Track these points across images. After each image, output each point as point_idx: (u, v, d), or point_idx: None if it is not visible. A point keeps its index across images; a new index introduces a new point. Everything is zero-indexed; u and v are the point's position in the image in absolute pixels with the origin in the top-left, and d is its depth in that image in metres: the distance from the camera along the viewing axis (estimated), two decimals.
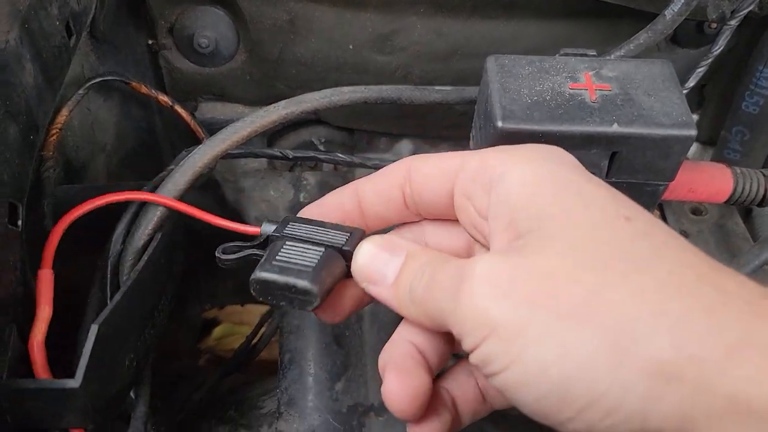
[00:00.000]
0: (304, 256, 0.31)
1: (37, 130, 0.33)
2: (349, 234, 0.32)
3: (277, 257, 0.31)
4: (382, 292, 0.30)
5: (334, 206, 0.34)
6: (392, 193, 0.33)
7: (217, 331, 0.75)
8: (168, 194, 0.40)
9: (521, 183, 0.28)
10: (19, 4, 0.31)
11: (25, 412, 0.29)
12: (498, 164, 0.29)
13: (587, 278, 0.24)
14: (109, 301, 0.35)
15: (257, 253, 0.33)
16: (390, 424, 0.44)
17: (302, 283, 0.30)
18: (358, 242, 0.32)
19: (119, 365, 0.34)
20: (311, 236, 0.32)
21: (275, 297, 0.30)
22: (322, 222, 0.33)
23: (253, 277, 0.30)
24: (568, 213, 0.26)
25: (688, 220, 0.55)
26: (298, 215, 0.34)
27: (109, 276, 0.36)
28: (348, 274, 0.32)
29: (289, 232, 0.32)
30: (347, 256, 0.32)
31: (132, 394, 0.36)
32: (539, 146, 0.31)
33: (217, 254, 0.33)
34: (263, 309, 0.64)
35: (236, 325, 0.75)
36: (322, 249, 0.31)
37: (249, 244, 0.34)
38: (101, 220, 0.39)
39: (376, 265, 0.30)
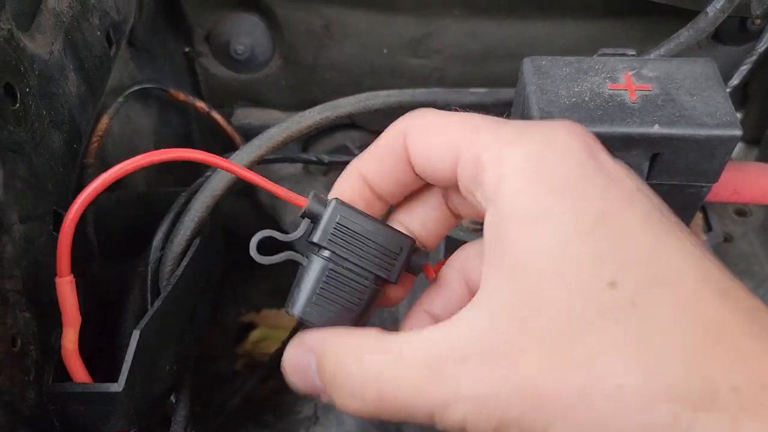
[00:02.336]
0: (349, 295, 0.29)
1: (80, 138, 0.34)
2: (397, 254, 0.29)
3: (319, 291, 0.29)
4: (327, 401, 0.29)
5: (346, 200, 0.30)
6: (399, 173, 0.29)
7: (254, 335, 0.75)
8: (206, 200, 0.41)
9: (516, 215, 0.24)
10: (63, 16, 0.31)
11: (70, 416, 0.29)
12: (492, 168, 0.25)
13: (572, 379, 0.21)
14: (149, 307, 0.35)
15: (297, 258, 0.30)
16: (430, 428, 0.44)
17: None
18: (403, 269, 0.30)
19: (160, 370, 0.34)
20: (358, 256, 0.29)
21: None
22: (368, 222, 0.29)
23: (293, 311, 0.29)
24: (558, 276, 0.22)
25: (733, 221, 0.53)
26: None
27: (149, 282, 0.37)
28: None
29: (334, 238, 0.29)
30: (392, 284, 0.30)
31: (172, 398, 0.36)
32: (547, 134, 0.25)
33: (252, 251, 0.31)
34: None
35: (272, 328, 0.76)
36: (368, 284, 0.29)
37: (286, 238, 0.31)
38: (139, 226, 0.39)
39: (297, 380, 0.29)
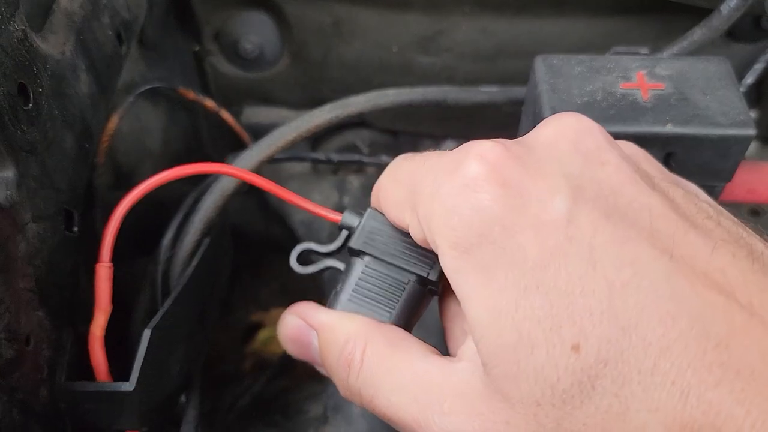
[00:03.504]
0: (387, 290, 0.29)
1: (92, 138, 0.34)
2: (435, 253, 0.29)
3: (355, 287, 0.29)
4: (322, 371, 0.29)
5: None
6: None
7: (262, 334, 0.75)
8: (216, 199, 0.41)
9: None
10: (74, 16, 0.31)
11: (81, 414, 0.29)
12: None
13: None
14: (159, 306, 0.35)
15: (335, 266, 0.31)
16: None
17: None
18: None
19: (170, 369, 0.34)
20: (394, 255, 0.29)
21: None
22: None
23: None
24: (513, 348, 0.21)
25: (746, 221, 0.53)
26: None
27: (160, 281, 0.37)
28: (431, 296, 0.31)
29: (370, 241, 0.29)
30: (434, 285, 0.29)
31: (183, 397, 0.36)
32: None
33: (291, 263, 0.32)
34: None
35: None
36: (406, 281, 0.29)
37: (325, 249, 0.32)
38: (148, 226, 0.39)
39: (295, 350, 0.30)
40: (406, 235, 0.28)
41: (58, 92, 0.29)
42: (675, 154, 0.35)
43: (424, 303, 0.30)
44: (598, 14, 0.50)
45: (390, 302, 0.28)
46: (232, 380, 0.57)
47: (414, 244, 0.28)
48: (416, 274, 0.29)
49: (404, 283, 0.29)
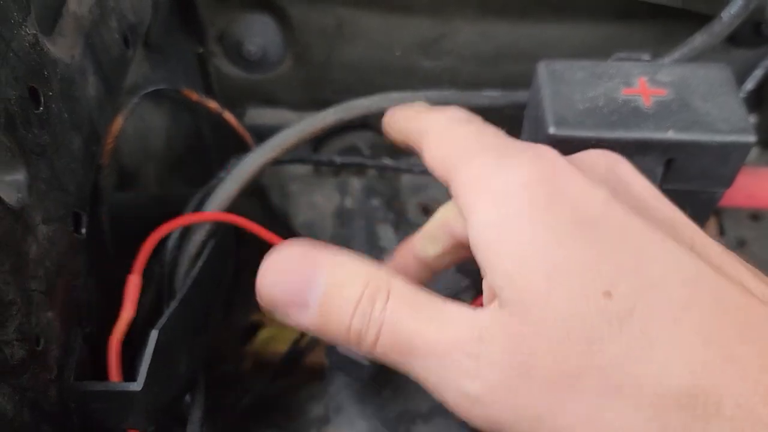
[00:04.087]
0: None
1: (99, 140, 0.34)
2: None
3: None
4: (302, 322, 0.25)
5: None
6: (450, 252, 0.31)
7: (262, 334, 0.75)
8: (221, 201, 0.41)
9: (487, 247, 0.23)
10: (83, 20, 0.32)
11: (90, 413, 0.30)
12: (469, 203, 0.25)
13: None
14: (165, 307, 0.35)
15: None
16: (437, 430, 0.44)
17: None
18: None
19: (176, 369, 0.34)
20: None
21: None
22: None
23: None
24: (538, 290, 0.22)
25: (747, 226, 0.53)
26: None
27: (166, 282, 0.37)
28: None
29: None
30: None
31: (188, 397, 0.37)
32: (520, 162, 0.25)
33: None
34: None
35: (280, 329, 0.76)
36: None
37: None
38: (153, 228, 0.40)
39: (286, 290, 0.24)
40: None
41: (67, 95, 0.30)
42: (676, 159, 0.35)
43: None
44: (600, 19, 0.51)
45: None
46: (233, 380, 0.58)
47: None
48: None
49: None
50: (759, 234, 0.53)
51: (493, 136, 0.27)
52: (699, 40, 0.41)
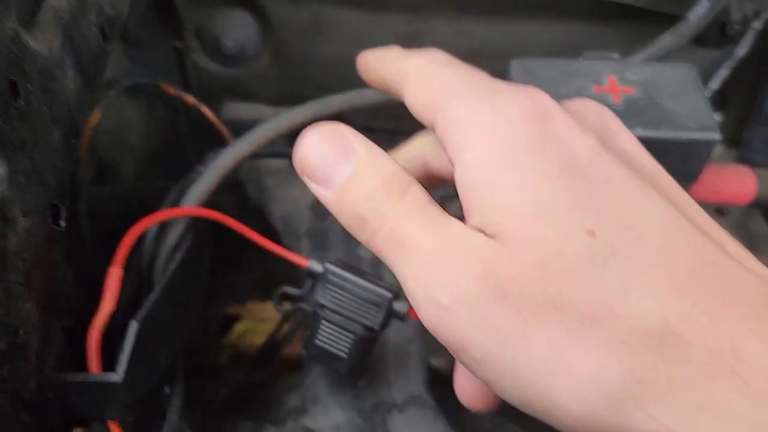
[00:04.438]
0: (339, 342, 0.37)
1: (78, 133, 0.34)
2: (379, 305, 0.36)
3: (317, 338, 0.37)
4: (322, 194, 0.25)
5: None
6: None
7: (239, 327, 0.76)
8: (199, 195, 0.41)
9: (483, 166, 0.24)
10: (62, 13, 0.32)
11: (69, 404, 0.30)
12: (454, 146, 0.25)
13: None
14: (144, 300, 0.36)
15: (304, 308, 0.38)
16: (412, 420, 0.45)
17: (337, 369, 0.38)
18: (388, 319, 0.36)
19: (156, 361, 0.35)
20: (345, 311, 0.36)
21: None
22: (355, 279, 0.36)
23: (304, 351, 0.39)
24: (523, 223, 0.23)
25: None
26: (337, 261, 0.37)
27: (144, 275, 0.37)
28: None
29: (327, 293, 0.36)
30: (377, 333, 0.37)
31: (167, 388, 0.37)
32: (510, 98, 0.25)
33: (273, 300, 0.40)
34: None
35: (257, 321, 0.76)
36: (353, 336, 0.36)
37: (296, 292, 0.39)
38: (131, 221, 0.40)
39: (319, 161, 0.25)
40: (355, 286, 0.36)
41: (46, 89, 0.30)
42: None
43: (373, 344, 0.38)
44: (572, 19, 0.52)
45: (345, 348, 0.37)
46: (211, 372, 0.58)
47: (362, 296, 0.36)
48: (365, 325, 0.36)
49: (354, 332, 0.36)
50: (723, 228, 0.55)
51: (478, 77, 0.27)
52: (666, 40, 0.42)
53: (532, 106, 0.24)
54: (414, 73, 0.28)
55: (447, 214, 0.24)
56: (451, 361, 0.67)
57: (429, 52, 0.29)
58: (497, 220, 0.23)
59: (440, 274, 0.23)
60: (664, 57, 0.43)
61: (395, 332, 0.49)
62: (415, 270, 0.23)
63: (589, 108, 0.28)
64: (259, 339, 0.62)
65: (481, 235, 0.23)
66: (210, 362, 0.65)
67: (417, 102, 0.27)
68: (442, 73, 0.27)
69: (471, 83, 0.26)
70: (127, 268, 0.40)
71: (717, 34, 0.51)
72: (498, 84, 0.26)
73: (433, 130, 0.26)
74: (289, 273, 0.44)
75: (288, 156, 0.57)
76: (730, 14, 0.45)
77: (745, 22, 0.45)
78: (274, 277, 0.53)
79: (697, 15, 0.42)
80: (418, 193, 0.24)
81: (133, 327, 0.31)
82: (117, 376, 0.30)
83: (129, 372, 0.30)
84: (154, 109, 0.56)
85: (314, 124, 0.26)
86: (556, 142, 0.24)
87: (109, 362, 0.32)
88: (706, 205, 0.56)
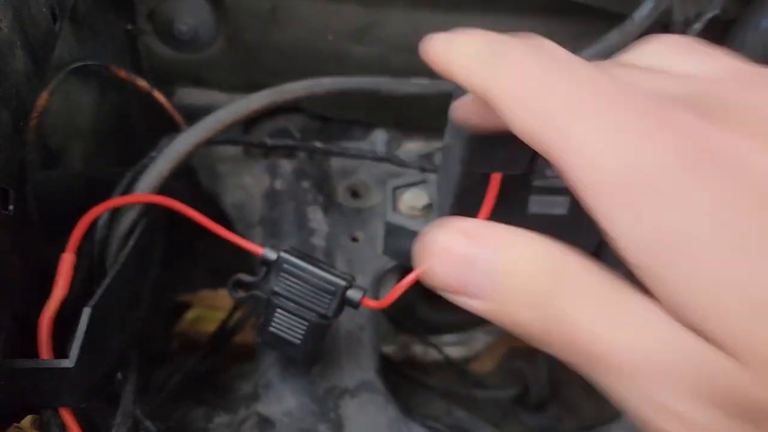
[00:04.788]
0: (293, 328, 0.38)
1: (26, 115, 0.33)
2: (333, 293, 0.37)
3: (271, 325, 0.38)
4: (473, 308, 0.21)
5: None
6: None
7: (190, 314, 0.75)
8: (152, 181, 0.41)
9: None
10: None
11: (20, 391, 0.29)
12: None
13: None
14: (95, 286, 0.35)
15: (258, 295, 0.39)
16: (364, 405, 0.46)
17: (290, 355, 0.39)
18: (341, 306, 0.37)
19: (109, 347, 0.34)
20: (299, 299, 0.37)
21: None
22: (308, 268, 0.37)
23: (257, 339, 0.39)
24: None
25: None
26: (293, 248, 0.38)
27: (96, 261, 0.37)
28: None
29: (281, 281, 0.37)
30: (331, 321, 0.38)
31: (119, 375, 0.37)
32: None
33: (229, 287, 0.40)
34: None
35: (209, 309, 0.76)
36: (310, 318, 0.37)
37: (250, 279, 0.39)
38: (81, 206, 0.39)
39: (460, 270, 0.21)
40: (309, 275, 0.36)
41: None
42: None
43: (327, 331, 0.39)
44: (524, 14, 0.53)
45: (299, 334, 0.37)
46: (162, 359, 0.58)
47: (315, 284, 0.36)
48: (319, 312, 0.37)
49: (308, 320, 0.37)
50: None
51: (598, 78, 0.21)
52: (613, 38, 0.44)
53: (684, 140, 0.18)
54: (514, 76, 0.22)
55: (621, 282, 0.19)
56: (402, 348, 0.68)
57: (528, 37, 0.22)
58: (729, 333, 0.16)
59: (653, 384, 0.17)
60: (610, 54, 0.44)
61: (348, 319, 0.50)
62: (618, 382, 0.18)
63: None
64: (210, 327, 0.62)
65: (704, 343, 0.17)
66: (161, 349, 0.64)
67: (524, 119, 0.21)
68: (557, 83, 0.21)
69: (592, 91, 0.20)
70: (79, 254, 0.39)
71: (662, 33, 0.53)
72: (642, 102, 0.19)
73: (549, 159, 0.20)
74: (242, 261, 0.44)
75: (242, 143, 0.58)
76: (672, 15, 0.47)
77: (687, 23, 0.47)
78: (226, 265, 0.53)
79: (642, 15, 0.44)
80: (581, 272, 0.19)
81: (85, 313, 0.30)
82: (69, 362, 0.30)
83: (81, 358, 0.30)
84: (105, 93, 0.55)
85: (432, 227, 0.21)
86: (743, 182, 0.17)
87: (61, 349, 0.32)
88: None
